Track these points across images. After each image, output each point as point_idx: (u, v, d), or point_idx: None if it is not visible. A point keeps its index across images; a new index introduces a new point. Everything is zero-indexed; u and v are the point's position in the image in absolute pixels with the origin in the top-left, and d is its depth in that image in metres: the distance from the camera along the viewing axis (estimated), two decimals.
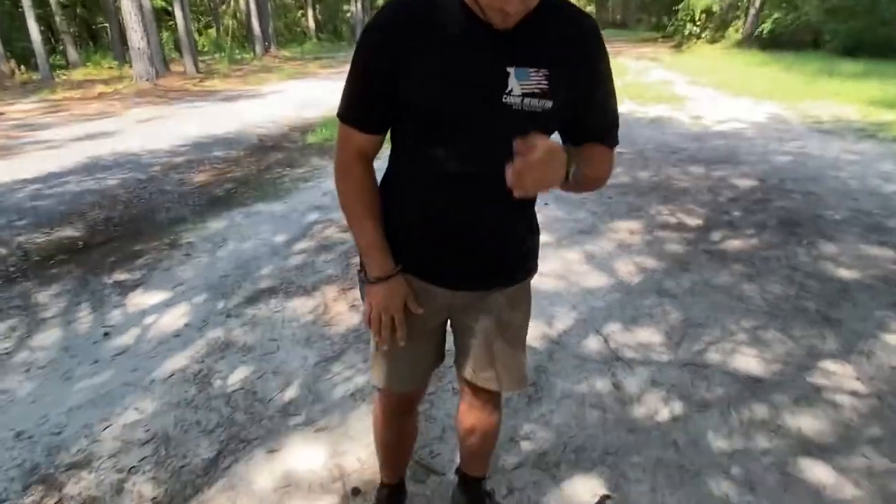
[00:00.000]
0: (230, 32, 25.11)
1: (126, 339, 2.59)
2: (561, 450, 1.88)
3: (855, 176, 4.91)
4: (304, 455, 1.87)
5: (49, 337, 2.62)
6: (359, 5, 26.40)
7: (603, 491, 1.70)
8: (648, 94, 9.61)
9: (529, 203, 1.21)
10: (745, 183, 4.79)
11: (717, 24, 20.35)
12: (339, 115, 1.09)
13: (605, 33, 1.06)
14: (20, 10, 15.03)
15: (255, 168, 5.64)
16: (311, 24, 30.44)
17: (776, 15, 16.98)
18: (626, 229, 3.80)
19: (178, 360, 2.41)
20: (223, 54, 19.94)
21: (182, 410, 2.10)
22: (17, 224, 4.11)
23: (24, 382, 2.28)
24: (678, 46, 19.61)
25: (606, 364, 2.34)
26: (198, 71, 15.00)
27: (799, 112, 7.90)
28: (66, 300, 2.97)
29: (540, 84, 0.98)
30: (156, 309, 2.86)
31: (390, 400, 1.35)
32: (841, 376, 2.23)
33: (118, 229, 3.99)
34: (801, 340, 2.48)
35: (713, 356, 2.38)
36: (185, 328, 2.67)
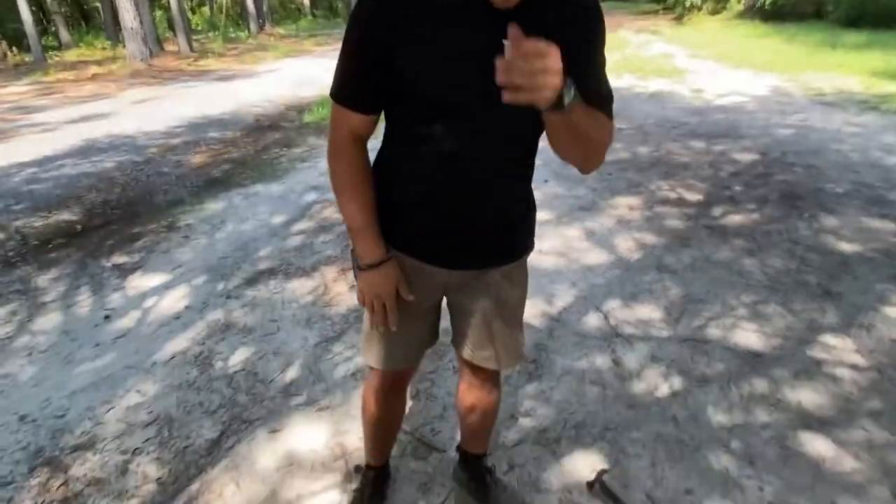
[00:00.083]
0: (224, 10, 24.72)
1: (126, 321, 2.60)
2: (561, 426, 1.89)
3: (857, 148, 4.87)
4: (306, 434, 1.89)
5: (50, 321, 2.62)
6: None
7: (603, 466, 1.71)
8: (648, 67, 9.49)
9: (526, 180, 1.18)
10: (747, 157, 4.75)
11: None
12: (331, 94, 1.06)
13: (605, 6, 1.03)
14: None
15: (252, 148, 5.59)
16: (306, 0, 29.95)
17: None
18: (626, 205, 3.78)
19: (179, 343, 2.41)
20: (217, 33, 19.66)
21: (184, 392, 2.11)
22: (14, 208, 4.09)
23: (25, 366, 2.29)
24: (679, 18, 19.29)
25: (606, 340, 2.34)
26: (192, 50, 14.80)
27: (801, 84, 7.80)
28: (66, 284, 2.96)
29: None
30: (155, 291, 2.86)
31: (383, 377, 1.34)
32: (841, 350, 2.24)
33: (116, 212, 3.98)
34: (802, 314, 2.48)
35: (713, 331, 2.38)
36: (186, 310, 2.67)
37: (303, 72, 10.69)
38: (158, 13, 20.06)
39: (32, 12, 14.04)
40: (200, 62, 13.16)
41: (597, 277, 2.85)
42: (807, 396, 1.99)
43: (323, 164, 4.81)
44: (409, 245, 1.15)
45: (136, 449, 1.85)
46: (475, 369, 1.35)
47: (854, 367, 2.13)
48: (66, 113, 7.49)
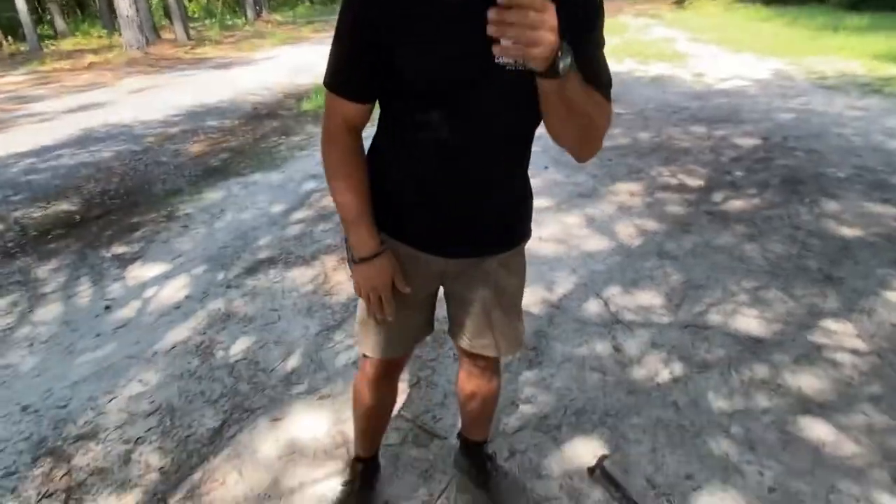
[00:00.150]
0: None
1: (127, 311, 2.60)
2: (562, 412, 1.89)
3: (859, 132, 4.83)
4: (308, 423, 1.89)
5: (50, 311, 2.62)
6: None
7: (603, 452, 1.72)
8: (649, 51, 9.41)
9: (523, 168, 1.17)
10: (748, 142, 4.72)
11: None
12: (325, 82, 1.04)
13: None
14: None
15: (251, 137, 5.56)
16: None
17: None
18: (627, 191, 3.76)
19: (180, 332, 2.42)
20: (214, 20, 19.50)
21: (186, 381, 2.12)
22: (12, 199, 4.08)
23: (27, 357, 2.30)
24: (679, 2, 19.09)
25: (607, 327, 2.34)
26: (189, 38, 14.68)
27: (803, 68, 7.74)
28: (66, 274, 2.96)
29: None
30: (156, 281, 2.85)
31: (376, 366, 1.33)
32: (842, 334, 2.23)
33: (115, 202, 3.96)
34: (803, 299, 2.48)
35: (714, 317, 2.38)
36: (186, 300, 2.67)
37: (300, 59, 10.61)
38: (154, 1, 19.87)
39: (27, 1, 13.89)
40: (197, 50, 13.06)
41: (597, 264, 2.85)
42: (807, 381, 1.99)
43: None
44: (405, 234, 1.14)
45: (138, 438, 1.86)
46: (474, 357, 1.35)
47: (855, 351, 2.13)
48: (63, 102, 7.44)
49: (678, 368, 2.08)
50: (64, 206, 3.93)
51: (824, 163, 4.14)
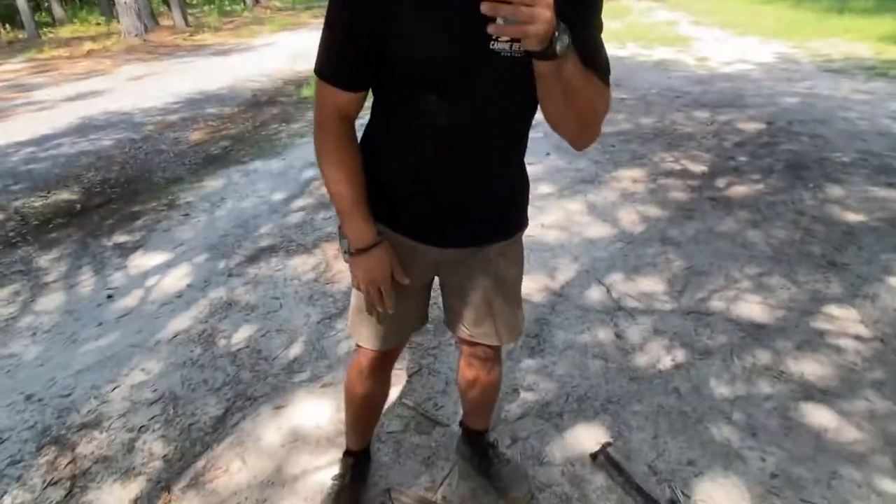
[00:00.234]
0: None
1: (129, 301, 2.60)
2: (564, 400, 1.90)
3: (864, 116, 4.79)
4: (310, 411, 1.90)
5: (53, 301, 2.63)
6: None
7: (605, 439, 1.72)
8: (652, 35, 9.31)
9: (520, 156, 1.15)
10: (752, 126, 4.68)
11: None
12: (316, 70, 1.01)
13: None
14: None
15: (251, 124, 5.53)
16: None
17: None
18: (629, 177, 3.74)
19: (182, 321, 2.42)
20: (213, 6, 19.31)
21: (188, 370, 2.12)
22: (13, 188, 4.07)
23: (30, 346, 2.30)
24: None
25: (609, 314, 2.34)
26: (187, 25, 14.55)
27: (808, 51, 7.65)
28: (68, 264, 2.96)
29: None
30: (157, 270, 2.85)
31: (370, 357, 1.32)
32: (845, 320, 2.23)
33: (115, 191, 3.95)
34: (806, 285, 2.47)
35: (716, 303, 2.37)
36: (188, 289, 2.67)
37: (300, 45, 10.51)
38: None
39: None
40: (196, 37, 12.95)
41: (599, 251, 2.84)
42: (810, 367, 1.99)
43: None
44: (399, 223, 1.12)
45: (141, 427, 1.87)
46: (475, 346, 1.34)
47: (858, 337, 2.13)
48: (62, 90, 7.40)
49: (680, 355, 2.08)
50: (64, 195, 3.92)
51: (829, 147, 4.11)
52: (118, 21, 12.94)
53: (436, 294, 1.34)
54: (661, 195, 3.45)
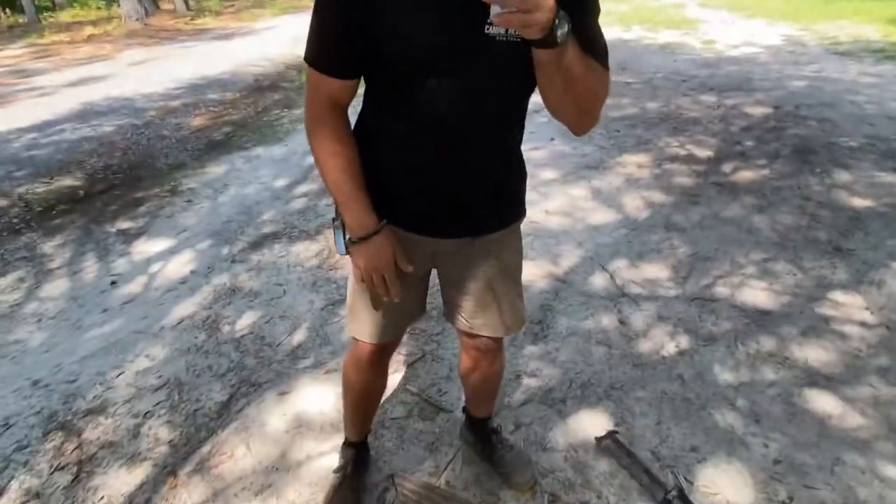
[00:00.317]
0: None
1: (133, 287, 2.60)
2: (567, 386, 1.90)
3: (872, 100, 4.73)
4: (315, 397, 1.90)
5: (57, 287, 2.63)
6: None
7: (608, 425, 1.72)
8: (658, 18, 9.19)
9: (516, 143, 1.13)
10: (758, 111, 4.63)
11: None
12: (306, 58, 0.98)
13: None
14: None
15: (253, 110, 5.50)
16: None
17: None
18: (634, 163, 3.71)
19: (186, 307, 2.42)
20: None
21: (193, 356, 2.13)
22: (16, 175, 4.07)
23: (35, 333, 2.31)
24: None
25: (612, 301, 2.33)
26: (188, 8, 14.45)
27: (815, 33, 7.54)
28: (72, 250, 2.97)
29: None
30: (161, 256, 2.85)
31: (367, 350, 1.31)
32: (850, 307, 2.22)
33: (118, 177, 3.95)
34: (811, 271, 2.45)
35: (721, 290, 2.36)
36: (191, 275, 2.67)
37: (301, 29, 10.35)
38: None
39: None
40: (197, 21, 12.85)
41: (603, 237, 2.82)
42: (814, 354, 1.98)
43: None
44: (395, 214, 1.10)
45: (147, 412, 1.88)
46: (476, 338, 1.32)
47: (863, 323, 2.12)
48: (63, 76, 7.37)
49: (684, 341, 2.08)
50: (67, 181, 3.91)
51: (836, 132, 4.06)
52: (119, 5, 12.85)
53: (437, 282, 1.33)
54: (666, 181, 3.42)
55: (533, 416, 1.78)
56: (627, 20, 8.95)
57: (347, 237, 1.11)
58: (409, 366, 2.02)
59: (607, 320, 2.21)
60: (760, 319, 2.17)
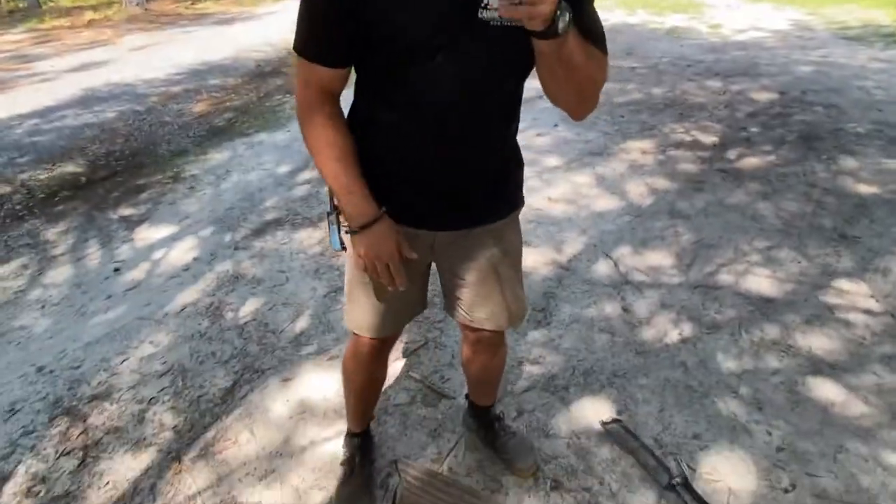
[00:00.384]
0: None
1: (137, 274, 2.61)
2: (570, 373, 1.90)
3: (881, 85, 4.68)
4: (318, 383, 1.91)
5: (61, 274, 2.64)
6: None
7: (611, 412, 1.73)
8: (664, 2, 9.08)
9: (512, 132, 1.11)
10: (765, 96, 4.59)
11: None
12: (295, 48, 0.96)
13: None
14: None
15: (255, 96, 5.47)
16: None
17: None
18: (639, 149, 3.68)
19: (190, 294, 2.43)
20: None
21: (196, 342, 2.14)
22: (18, 161, 4.06)
23: (39, 319, 2.32)
24: None
25: (616, 288, 2.33)
26: None
27: (823, 17, 7.44)
28: (75, 237, 2.97)
29: None
30: (164, 243, 2.85)
31: (367, 345, 1.30)
32: (855, 294, 2.21)
33: (120, 163, 3.94)
34: (816, 259, 2.44)
35: (725, 277, 2.35)
36: (194, 262, 2.67)
37: None
38: None
39: None
40: (198, 5, 12.74)
41: (607, 224, 2.81)
42: (818, 342, 1.97)
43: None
44: (391, 208, 1.07)
45: (151, 398, 1.89)
46: (477, 332, 1.31)
47: (868, 311, 2.11)
48: (64, 61, 7.33)
49: (687, 329, 2.07)
50: (70, 167, 3.90)
51: (844, 118, 4.02)
52: None
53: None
54: (670, 167, 3.40)
55: (535, 403, 1.79)
56: (632, 3, 8.84)
57: (345, 230, 1.09)
58: (412, 353, 2.02)
59: (610, 308, 2.21)
60: (764, 307, 2.16)
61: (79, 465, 1.65)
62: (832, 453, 1.56)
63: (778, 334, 2.02)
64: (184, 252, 2.76)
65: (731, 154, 3.54)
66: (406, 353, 2.02)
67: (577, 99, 0.96)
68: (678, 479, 1.47)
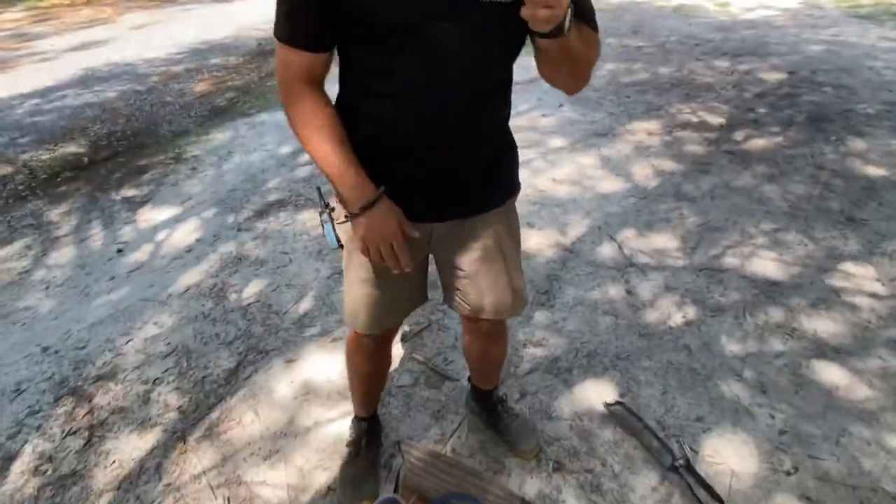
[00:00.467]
0: None
1: (140, 255, 2.61)
2: (573, 355, 1.90)
3: (892, 65, 4.59)
4: (322, 364, 1.92)
5: (64, 255, 2.64)
6: None
7: (614, 394, 1.73)
8: None
9: (503, 115, 1.09)
10: (773, 76, 4.52)
11: None
12: (276, 34, 0.93)
13: None
14: None
15: (256, 75, 5.41)
16: None
17: None
18: (645, 130, 3.64)
19: (193, 275, 2.43)
20: None
21: (200, 324, 2.14)
22: (20, 141, 4.04)
23: (44, 300, 2.33)
24: None
25: (620, 271, 2.31)
26: None
27: None
28: (77, 218, 2.96)
29: None
30: (166, 224, 2.85)
31: (370, 340, 1.30)
32: (861, 278, 2.19)
33: (122, 144, 3.92)
34: (822, 242, 2.42)
35: (730, 260, 2.34)
36: (197, 243, 2.67)
37: None
38: None
39: None
40: None
41: (612, 206, 2.79)
42: (823, 325, 1.96)
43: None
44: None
45: (156, 379, 1.90)
46: (477, 322, 1.30)
47: (874, 295, 2.10)
48: (64, 40, 7.26)
49: (691, 312, 2.06)
50: (71, 148, 3.89)
51: (853, 98, 3.96)
52: None
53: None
54: (676, 148, 3.36)
55: (539, 385, 1.79)
56: None
57: (339, 223, 1.07)
58: (416, 335, 2.02)
59: (614, 290, 2.20)
60: (769, 290, 2.15)
61: (85, 445, 1.67)
62: (835, 436, 1.56)
63: (783, 317, 2.01)
64: (186, 233, 2.75)
65: (739, 135, 3.50)
66: (409, 336, 2.02)
67: (573, 80, 0.97)
68: (681, 461, 1.48)
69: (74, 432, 1.71)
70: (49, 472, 1.59)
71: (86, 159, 3.69)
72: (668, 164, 3.18)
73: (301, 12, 0.90)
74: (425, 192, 1.06)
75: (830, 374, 1.76)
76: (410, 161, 1.02)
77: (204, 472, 1.56)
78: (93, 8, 9.85)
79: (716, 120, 3.75)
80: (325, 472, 1.54)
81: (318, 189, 1.15)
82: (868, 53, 4.92)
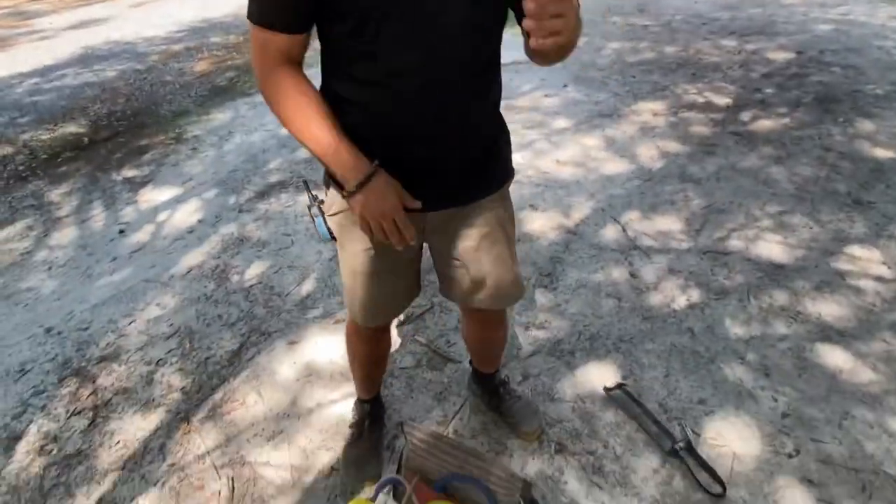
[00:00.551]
0: None
1: (141, 236, 2.60)
2: (575, 338, 1.89)
3: None
4: (324, 346, 1.92)
5: (66, 236, 2.63)
6: None
7: (617, 377, 1.73)
8: None
9: (491, 98, 1.06)
10: (781, 56, 4.44)
11: None
12: (250, 17, 0.90)
13: None
14: None
15: None
16: None
17: None
18: (650, 111, 3.59)
19: (195, 257, 2.42)
20: None
21: (203, 305, 2.14)
22: (19, 121, 4.02)
23: (46, 281, 2.33)
24: None
25: (623, 253, 2.30)
26: None
27: None
28: (79, 198, 2.95)
29: None
30: (168, 205, 2.84)
31: (369, 329, 1.30)
32: (867, 261, 2.17)
33: (122, 124, 3.89)
34: (829, 225, 2.40)
35: (735, 243, 2.32)
36: (199, 224, 2.66)
37: None
38: None
39: None
40: None
41: (616, 188, 2.76)
42: (828, 308, 1.95)
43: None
44: None
45: (159, 360, 1.90)
46: (474, 310, 1.28)
47: (879, 278, 2.08)
48: (63, 18, 7.18)
49: (695, 295, 2.05)
50: (71, 128, 3.86)
51: (862, 79, 3.90)
52: None
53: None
54: (682, 129, 3.32)
55: (541, 367, 1.79)
56: None
57: (333, 210, 1.06)
58: (418, 317, 2.02)
59: (618, 273, 2.19)
60: (774, 273, 2.14)
61: (89, 425, 1.68)
62: (838, 420, 1.56)
63: (787, 300, 2.00)
64: (188, 214, 2.74)
65: (745, 116, 3.45)
66: (412, 318, 2.01)
67: (559, 59, 0.96)
68: (681, 444, 1.48)
69: (79, 412, 1.72)
70: (54, 452, 1.60)
71: (86, 139, 3.67)
72: (674, 146, 3.14)
73: None
74: (415, 181, 1.01)
75: (834, 357, 1.76)
76: (399, 148, 0.99)
77: (208, 453, 1.57)
78: None
79: (722, 100, 3.70)
80: (328, 453, 1.55)
81: (305, 182, 1.13)
82: (877, 33, 4.83)
